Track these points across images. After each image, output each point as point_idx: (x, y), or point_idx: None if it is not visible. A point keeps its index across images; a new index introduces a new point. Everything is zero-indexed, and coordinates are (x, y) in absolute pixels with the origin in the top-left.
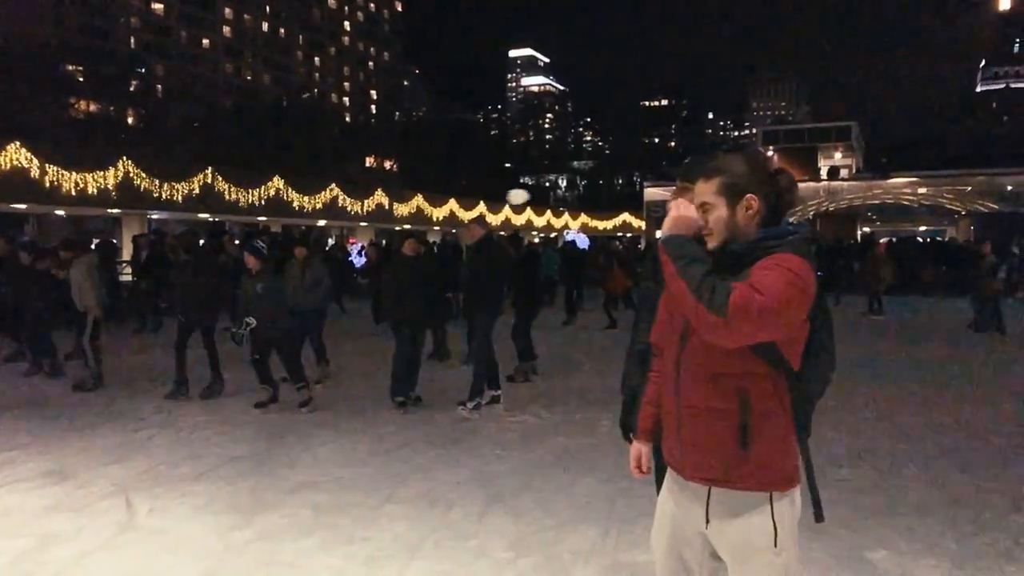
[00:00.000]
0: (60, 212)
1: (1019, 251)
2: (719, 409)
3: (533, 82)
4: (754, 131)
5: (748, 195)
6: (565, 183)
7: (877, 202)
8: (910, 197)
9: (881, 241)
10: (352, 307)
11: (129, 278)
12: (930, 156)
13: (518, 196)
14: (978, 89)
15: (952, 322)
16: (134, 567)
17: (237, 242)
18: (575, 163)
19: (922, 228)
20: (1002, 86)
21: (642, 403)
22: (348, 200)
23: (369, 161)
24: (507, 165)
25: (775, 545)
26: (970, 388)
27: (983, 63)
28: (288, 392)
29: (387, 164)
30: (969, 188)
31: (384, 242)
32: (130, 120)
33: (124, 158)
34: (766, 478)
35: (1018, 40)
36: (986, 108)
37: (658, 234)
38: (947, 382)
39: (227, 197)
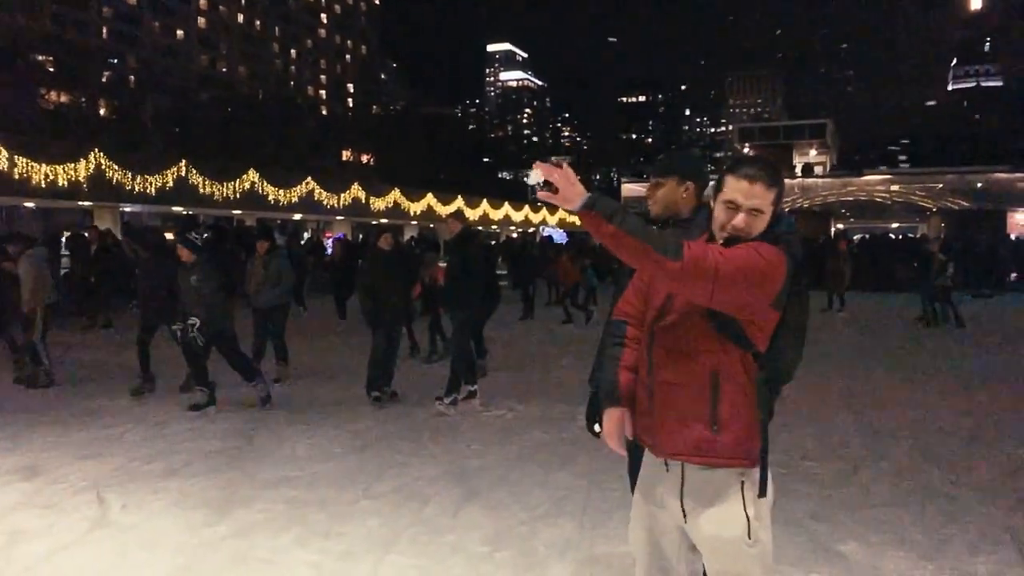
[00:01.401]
0: (29, 204)
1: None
2: (691, 386)
3: (511, 77)
4: (730, 128)
5: (781, 207)
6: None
7: (851, 199)
8: (883, 194)
9: (852, 238)
10: (316, 303)
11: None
12: (903, 154)
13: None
14: (949, 87)
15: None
16: (106, 564)
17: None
18: (553, 158)
19: (894, 225)
20: (973, 84)
21: (619, 368)
22: (324, 194)
23: (346, 155)
24: (485, 160)
25: (748, 536)
26: (938, 382)
27: (954, 62)
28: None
29: (364, 158)
30: (940, 185)
31: (357, 236)
32: (102, 111)
33: (96, 150)
34: (735, 455)
35: (988, 39)
36: (958, 106)
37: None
38: (916, 376)
39: (201, 190)
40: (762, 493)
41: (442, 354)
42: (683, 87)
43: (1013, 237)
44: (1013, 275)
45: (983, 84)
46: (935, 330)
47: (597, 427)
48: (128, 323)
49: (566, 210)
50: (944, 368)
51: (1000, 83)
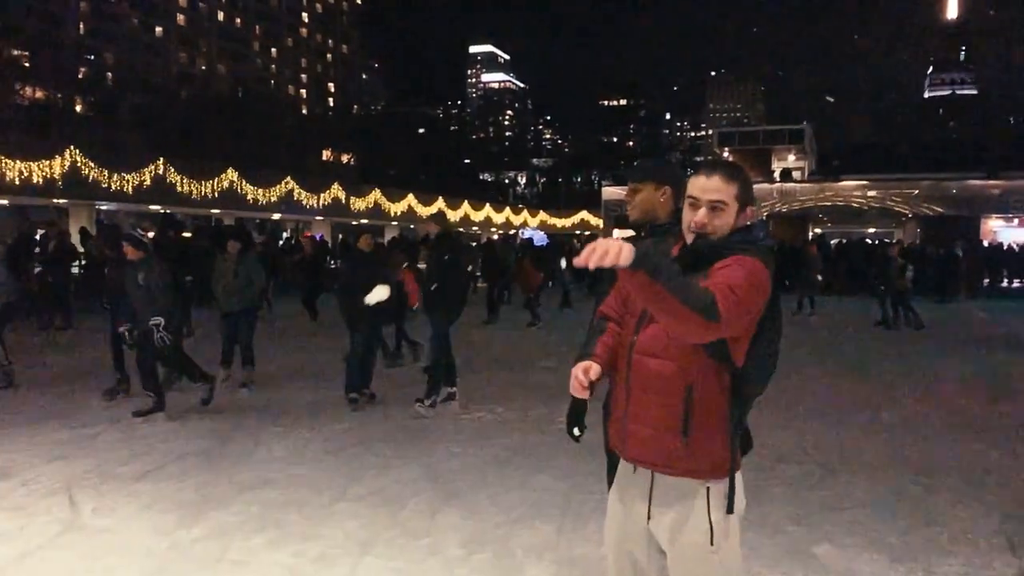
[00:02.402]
0: (3, 202)
1: (963, 253)
2: (666, 397)
3: (493, 79)
4: (710, 132)
5: (751, 207)
6: (524, 180)
7: (828, 204)
8: (860, 199)
9: (822, 242)
10: (289, 304)
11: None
12: (880, 160)
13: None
14: (926, 95)
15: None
16: (77, 567)
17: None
18: (534, 160)
19: (871, 230)
20: (948, 92)
21: (599, 339)
22: (304, 193)
23: (326, 154)
24: (467, 161)
25: (711, 543)
26: (910, 384)
27: (930, 70)
28: (236, 391)
29: (344, 158)
30: (916, 191)
31: (337, 236)
32: (79, 108)
33: (72, 147)
34: (703, 467)
35: (964, 48)
36: (934, 114)
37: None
38: (888, 379)
39: (179, 189)
40: (729, 510)
41: (407, 358)
42: (664, 91)
43: (986, 243)
44: (986, 280)
45: (958, 92)
46: (899, 333)
47: (576, 431)
48: (101, 324)
49: (619, 267)
50: (916, 371)
51: (975, 91)
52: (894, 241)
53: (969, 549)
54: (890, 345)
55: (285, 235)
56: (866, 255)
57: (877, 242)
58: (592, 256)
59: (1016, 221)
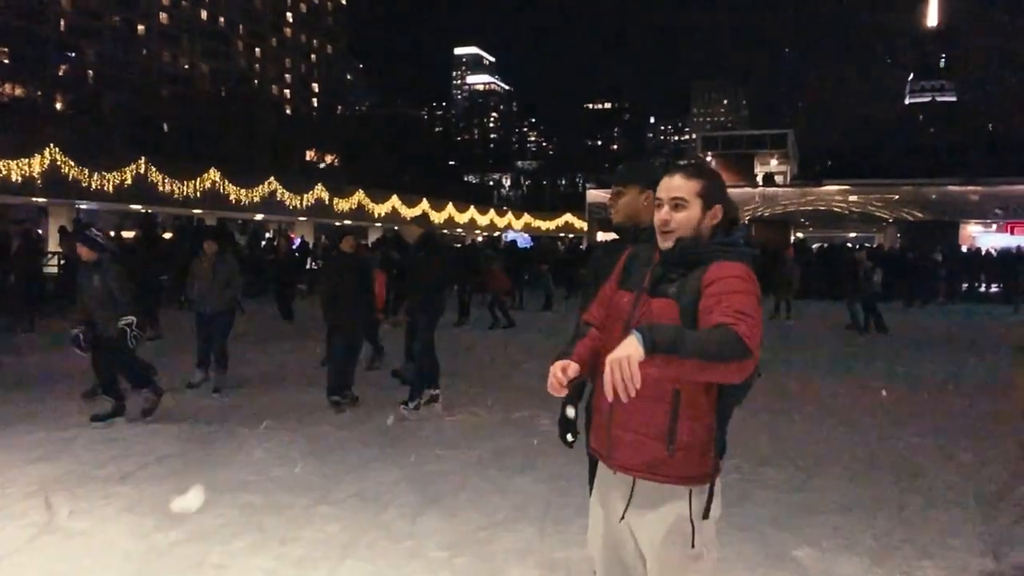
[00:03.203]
0: None
1: (942, 259)
2: (652, 406)
3: (478, 81)
4: (694, 136)
5: (717, 205)
6: (509, 182)
7: (810, 208)
8: (841, 204)
9: (799, 246)
10: (266, 305)
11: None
12: (862, 165)
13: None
14: (907, 102)
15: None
16: (53, 571)
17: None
18: (519, 163)
19: (852, 235)
20: (928, 99)
21: (579, 341)
22: (287, 194)
23: (310, 155)
24: (451, 163)
25: (692, 546)
26: (887, 389)
27: (911, 77)
28: (224, 393)
29: (328, 158)
30: (897, 197)
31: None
32: (59, 106)
33: (51, 145)
34: (687, 474)
35: (944, 56)
36: (914, 120)
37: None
38: (866, 383)
39: (161, 188)
40: (705, 515)
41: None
42: (648, 95)
43: (964, 248)
44: (964, 285)
45: (938, 99)
46: (873, 336)
47: (570, 436)
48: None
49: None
50: (894, 374)
51: (954, 99)
52: (862, 247)
53: (946, 551)
54: (866, 349)
55: (268, 236)
56: (845, 261)
57: (848, 246)
58: (615, 379)
59: (994, 227)
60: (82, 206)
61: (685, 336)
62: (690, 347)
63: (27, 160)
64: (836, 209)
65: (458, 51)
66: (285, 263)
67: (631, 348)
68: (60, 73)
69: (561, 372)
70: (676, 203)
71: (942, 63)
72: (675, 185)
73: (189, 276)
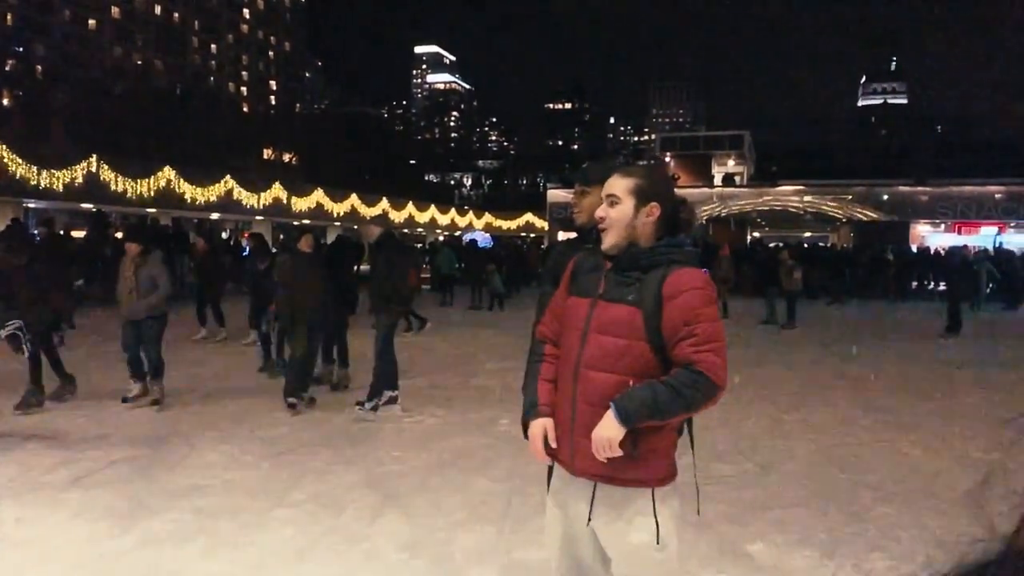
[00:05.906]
0: None
1: (893, 257)
2: None
3: (439, 79)
4: (653, 137)
5: (652, 203)
6: (470, 182)
7: (766, 208)
8: (796, 204)
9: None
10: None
11: None
12: (816, 166)
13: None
14: (859, 104)
15: (827, 323)
16: None
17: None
18: (480, 162)
19: (807, 234)
20: (880, 101)
21: (539, 381)
22: (244, 193)
23: (267, 153)
24: (412, 162)
25: (657, 542)
26: (840, 385)
27: (863, 79)
28: (176, 397)
29: (286, 157)
30: (850, 197)
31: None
32: (5, 101)
33: None
34: (650, 475)
35: (894, 59)
36: (867, 121)
37: None
38: (819, 380)
39: (113, 187)
40: (668, 512)
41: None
42: (608, 96)
43: (915, 248)
44: (914, 283)
45: (890, 101)
46: (827, 333)
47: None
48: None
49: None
50: (848, 372)
51: (905, 100)
52: (787, 246)
53: (895, 544)
54: (829, 348)
55: (224, 235)
56: (768, 258)
57: (778, 246)
58: (599, 456)
59: (943, 227)
60: (30, 205)
61: (659, 400)
62: (664, 410)
63: None
64: (792, 209)
65: (418, 49)
66: (203, 264)
67: (612, 431)
68: (7, 68)
69: (541, 441)
70: (611, 200)
71: (892, 66)
72: (610, 183)
73: (119, 279)
